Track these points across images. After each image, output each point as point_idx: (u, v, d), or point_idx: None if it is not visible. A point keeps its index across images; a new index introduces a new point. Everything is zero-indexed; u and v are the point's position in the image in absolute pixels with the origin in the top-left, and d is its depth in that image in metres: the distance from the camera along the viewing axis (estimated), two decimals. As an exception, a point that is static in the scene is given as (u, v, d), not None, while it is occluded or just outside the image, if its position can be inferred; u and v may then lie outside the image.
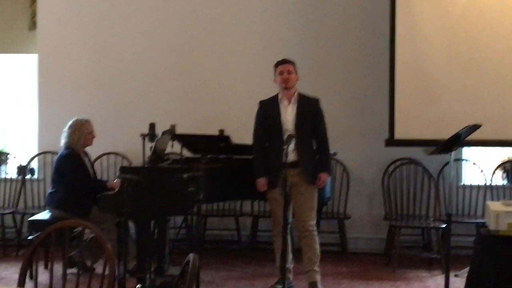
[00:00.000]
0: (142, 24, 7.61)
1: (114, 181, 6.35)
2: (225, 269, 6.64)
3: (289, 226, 5.57)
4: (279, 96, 5.71)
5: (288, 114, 5.64)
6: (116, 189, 5.76)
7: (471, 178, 7.28)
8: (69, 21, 7.69)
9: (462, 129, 5.10)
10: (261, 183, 5.64)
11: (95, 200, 5.90)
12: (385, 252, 7.09)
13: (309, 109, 5.66)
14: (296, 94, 5.70)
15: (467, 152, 7.33)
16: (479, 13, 6.66)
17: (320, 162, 5.69)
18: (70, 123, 6.28)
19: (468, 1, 6.67)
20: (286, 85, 5.62)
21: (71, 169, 6.14)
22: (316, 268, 5.65)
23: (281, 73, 5.64)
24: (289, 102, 5.66)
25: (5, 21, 8.01)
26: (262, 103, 5.78)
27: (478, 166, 7.20)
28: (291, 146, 5.43)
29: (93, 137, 6.36)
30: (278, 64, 5.71)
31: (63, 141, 6.26)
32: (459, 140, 5.13)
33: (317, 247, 5.65)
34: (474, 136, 5.31)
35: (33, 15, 7.84)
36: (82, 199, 6.09)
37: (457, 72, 6.71)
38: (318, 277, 5.65)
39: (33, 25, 7.86)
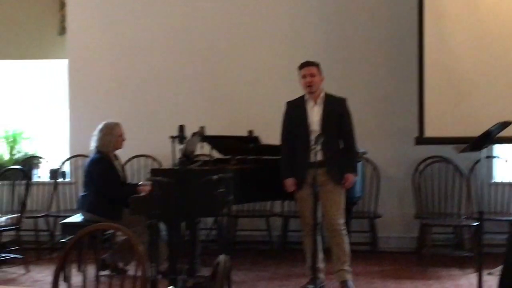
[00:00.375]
0: (170, 28, 7.65)
1: (143, 184, 6.40)
2: (256, 269, 6.65)
3: (318, 226, 5.58)
4: (306, 96, 5.70)
5: (314, 115, 5.62)
6: (146, 192, 5.81)
7: (503, 175, 7.21)
8: (98, 25, 7.76)
9: (493, 126, 5.06)
10: (289, 183, 5.65)
11: (126, 203, 5.95)
12: (417, 250, 7.05)
13: (335, 109, 5.64)
14: (322, 94, 5.68)
15: (498, 149, 7.26)
16: (508, 9, 6.59)
17: (346, 162, 5.66)
18: (100, 126, 6.31)
19: (497, -3, 6.61)
20: (310, 90, 5.61)
21: (101, 173, 6.17)
22: (346, 267, 5.62)
23: (304, 76, 5.63)
24: (315, 102, 5.65)
25: (35, 27, 8.11)
26: (289, 104, 5.78)
27: (509, 163, 7.13)
28: (317, 146, 5.43)
29: (123, 140, 6.38)
30: (301, 67, 5.69)
31: (93, 144, 6.29)
32: (490, 137, 5.09)
33: (347, 246, 5.62)
34: (505, 133, 5.27)
35: (63, 20, 7.92)
36: (113, 202, 6.14)
37: (486, 69, 6.65)
38: (348, 276, 5.63)
39: (62, 30, 7.94)
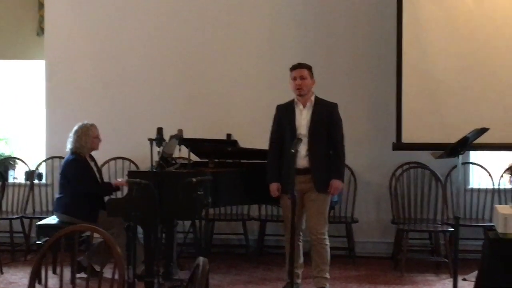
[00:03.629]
0: (149, 30, 7.63)
1: (119, 180, 6.38)
2: (232, 273, 6.64)
3: (301, 232, 5.57)
4: (295, 100, 5.63)
5: (303, 118, 5.54)
6: (123, 186, 5.80)
7: (479, 182, 7.27)
8: (77, 27, 7.72)
9: (470, 132, 5.10)
10: (274, 188, 5.59)
11: (103, 205, 5.92)
12: (393, 256, 7.08)
13: (325, 114, 5.55)
14: (312, 98, 5.61)
15: (475, 155, 7.33)
16: (486, 16, 6.66)
17: (333, 169, 5.57)
18: (75, 128, 6.28)
19: (475, 4, 6.67)
20: (299, 93, 5.54)
21: (77, 174, 6.15)
22: (326, 275, 5.60)
23: (294, 79, 5.55)
24: (305, 106, 5.58)
25: (13, 27, 8.04)
26: (279, 108, 5.71)
27: (485, 170, 7.19)
28: (303, 152, 5.41)
29: (99, 141, 6.36)
30: (292, 68, 5.61)
31: (69, 146, 6.26)
32: (466, 144, 5.13)
33: (327, 255, 5.58)
34: (481, 139, 5.32)
35: (41, 21, 7.88)
36: (90, 204, 6.11)
37: (464, 75, 6.70)
38: (326, 284, 5.61)
39: (41, 30, 7.89)
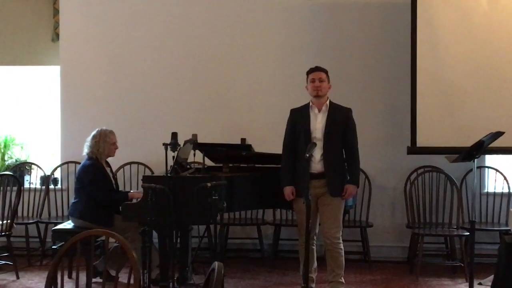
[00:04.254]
0: (163, 35, 7.65)
1: (134, 191, 6.40)
2: (247, 277, 6.64)
3: (315, 237, 5.56)
4: (310, 104, 5.63)
5: (318, 122, 5.54)
6: (138, 199, 5.82)
7: (494, 185, 7.23)
8: (91, 32, 7.75)
9: (485, 136, 5.08)
10: (288, 191, 5.57)
11: (118, 210, 5.93)
12: (408, 260, 7.06)
13: (340, 118, 5.56)
14: (327, 102, 5.61)
15: (490, 159, 7.29)
16: (500, 19, 6.64)
17: (348, 173, 5.58)
18: (93, 133, 6.28)
19: (489, 8, 6.65)
20: (317, 93, 5.53)
21: (93, 180, 6.15)
22: (340, 279, 5.57)
23: (313, 80, 5.56)
24: (320, 110, 5.57)
25: (28, 33, 8.10)
26: (293, 112, 5.71)
27: (501, 173, 7.16)
28: (318, 156, 5.40)
29: (116, 148, 6.36)
30: (310, 71, 5.63)
31: (86, 150, 6.26)
32: (482, 148, 5.12)
33: (342, 259, 5.55)
34: (497, 143, 5.30)
35: (56, 27, 7.92)
36: (105, 208, 6.12)
37: (479, 79, 6.69)
38: (342, 288, 5.62)
39: (56, 36, 7.93)
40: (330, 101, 5.63)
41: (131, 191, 6.62)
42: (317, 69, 5.62)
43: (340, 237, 5.58)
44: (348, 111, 5.63)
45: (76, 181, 6.32)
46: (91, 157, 6.23)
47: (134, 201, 5.97)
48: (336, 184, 5.50)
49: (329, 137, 5.49)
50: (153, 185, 5.22)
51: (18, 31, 8.10)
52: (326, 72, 5.63)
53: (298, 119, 5.63)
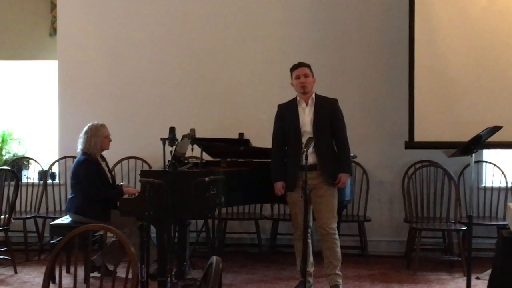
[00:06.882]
0: (161, 30, 7.64)
1: (129, 187, 6.38)
2: (245, 272, 6.65)
3: (310, 230, 5.57)
4: (297, 98, 5.68)
5: (306, 116, 5.60)
6: (133, 195, 5.83)
7: (492, 180, 7.24)
8: (89, 27, 7.74)
9: (483, 131, 5.09)
10: (278, 186, 5.62)
11: (115, 205, 5.93)
12: (406, 254, 7.07)
13: (327, 110, 5.62)
14: (313, 95, 5.67)
15: (488, 154, 7.30)
16: (499, 14, 6.64)
17: (339, 163, 5.63)
18: (85, 128, 6.30)
19: (488, 2, 6.65)
20: (304, 90, 5.59)
21: (87, 176, 6.16)
22: (338, 271, 5.60)
23: (298, 77, 5.61)
24: (307, 103, 5.63)
25: (26, 28, 8.08)
26: (280, 107, 5.77)
27: (499, 168, 7.17)
28: (309, 148, 5.43)
29: (110, 141, 6.37)
30: (294, 68, 5.68)
31: (79, 147, 6.28)
32: (479, 142, 5.12)
33: (338, 250, 5.59)
34: (494, 137, 5.30)
35: (54, 21, 7.91)
36: (102, 203, 6.13)
37: (476, 73, 6.69)
38: (340, 281, 5.61)
39: (53, 31, 7.92)
40: (316, 94, 5.69)
41: (122, 183, 6.60)
42: (300, 65, 5.67)
43: (336, 228, 5.62)
44: (335, 101, 5.70)
45: (72, 177, 6.32)
46: (85, 153, 6.25)
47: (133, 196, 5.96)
48: (329, 174, 5.56)
49: (318, 129, 5.54)
50: (151, 180, 5.22)
51: (15, 25, 8.09)
52: (309, 66, 5.68)
53: (287, 113, 5.68)
